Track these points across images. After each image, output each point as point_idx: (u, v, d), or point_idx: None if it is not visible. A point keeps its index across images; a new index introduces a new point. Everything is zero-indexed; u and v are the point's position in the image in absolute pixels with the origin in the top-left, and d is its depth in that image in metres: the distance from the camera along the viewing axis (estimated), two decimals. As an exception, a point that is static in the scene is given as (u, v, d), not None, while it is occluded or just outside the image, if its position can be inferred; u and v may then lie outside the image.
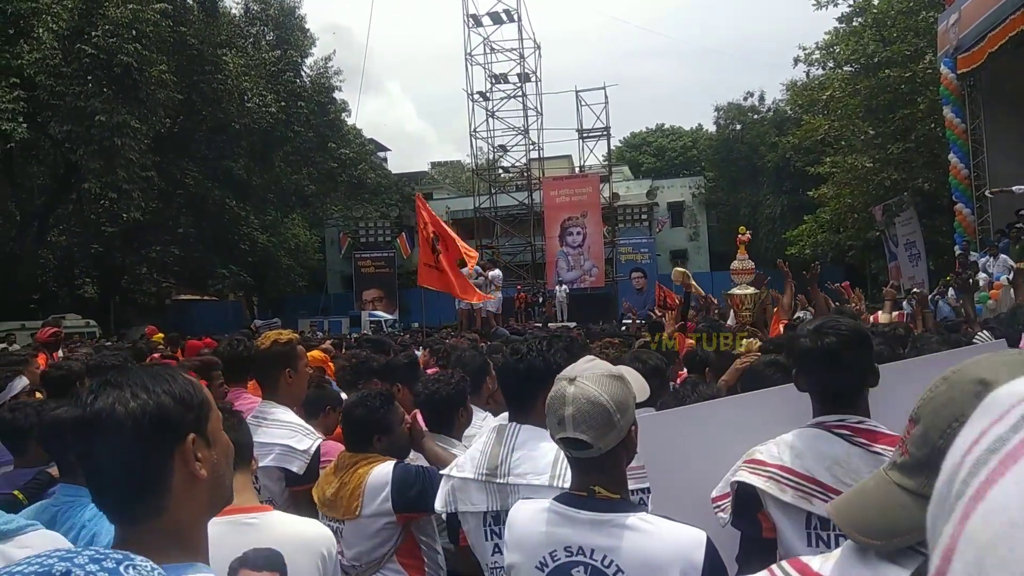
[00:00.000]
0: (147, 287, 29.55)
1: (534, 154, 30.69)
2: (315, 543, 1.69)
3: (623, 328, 11.76)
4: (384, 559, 2.59)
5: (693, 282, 11.68)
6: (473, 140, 30.43)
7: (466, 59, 29.42)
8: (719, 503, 2.15)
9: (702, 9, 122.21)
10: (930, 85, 19.14)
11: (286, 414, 3.01)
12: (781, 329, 6.27)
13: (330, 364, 5.03)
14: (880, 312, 7.56)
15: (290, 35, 30.14)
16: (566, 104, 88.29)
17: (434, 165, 53.76)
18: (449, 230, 11.59)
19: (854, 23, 24.67)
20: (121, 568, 0.92)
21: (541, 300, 26.34)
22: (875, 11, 23.27)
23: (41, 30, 19.50)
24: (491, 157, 31.41)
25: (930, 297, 13.70)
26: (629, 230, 32.09)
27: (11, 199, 22.37)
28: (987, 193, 14.22)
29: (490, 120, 30.30)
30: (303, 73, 31.03)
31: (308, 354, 3.63)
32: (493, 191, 31.04)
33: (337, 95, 31.95)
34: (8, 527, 1.57)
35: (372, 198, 34.03)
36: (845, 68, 24.80)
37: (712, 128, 38.24)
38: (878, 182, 22.35)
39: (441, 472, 2.41)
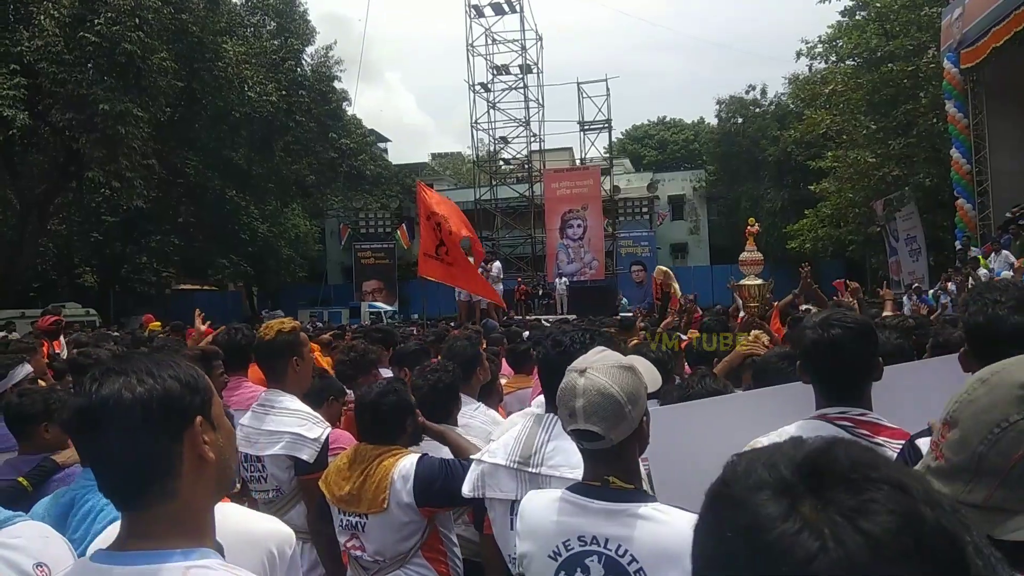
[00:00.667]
0: (147, 276, 29.53)
1: (535, 146, 30.66)
2: (263, 540, 1.59)
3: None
4: (411, 553, 2.57)
5: (674, 283, 11.82)
6: (474, 132, 30.42)
7: (468, 50, 29.35)
8: None
9: (705, 2, 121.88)
10: (932, 80, 19.10)
11: (293, 402, 3.00)
12: (779, 323, 6.28)
13: (320, 360, 5.04)
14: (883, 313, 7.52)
15: (291, 24, 30.03)
16: (567, 96, 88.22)
17: (434, 156, 53.74)
18: (458, 210, 11.43)
19: (857, 17, 24.59)
20: None
21: (541, 292, 26.36)
22: (878, 5, 23.19)
23: (42, 17, 19.41)
24: (492, 149, 31.39)
25: (932, 292, 13.74)
26: (629, 223, 32.08)
27: (11, 187, 22.30)
28: None
29: (491, 112, 30.26)
30: (304, 62, 30.93)
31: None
32: (494, 183, 31.02)
33: (338, 85, 31.90)
34: None
35: (372, 189, 33.99)
36: (847, 62, 24.74)
37: (714, 121, 38.16)
38: (879, 177, 22.33)
39: (472, 456, 2.40)
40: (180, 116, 25.05)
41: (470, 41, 29.36)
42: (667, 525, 1.59)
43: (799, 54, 27.60)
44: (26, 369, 4.49)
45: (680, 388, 3.01)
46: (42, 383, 4.83)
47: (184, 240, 28.37)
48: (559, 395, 1.71)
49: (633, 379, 1.68)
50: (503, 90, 30.49)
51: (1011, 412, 0.92)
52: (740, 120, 34.82)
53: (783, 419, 2.18)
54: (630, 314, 15.30)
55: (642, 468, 1.86)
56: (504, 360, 5.30)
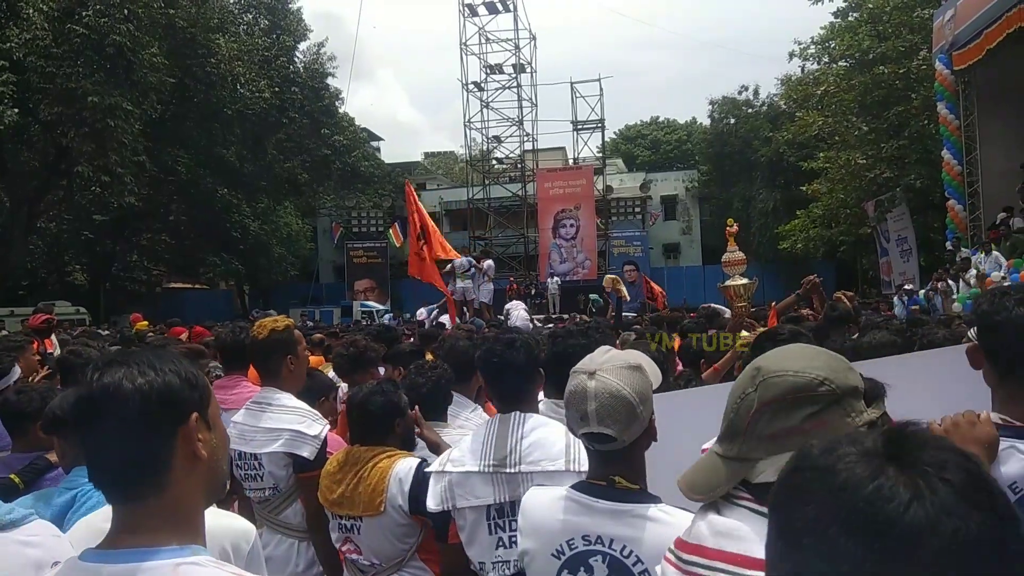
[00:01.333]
0: (137, 275, 29.40)
1: (528, 145, 30.69)
2: (218, 536, 1.52)
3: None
4: (408, 556, 2.55)
5: (622, 287, 12.60)
6: (467, 130, 30.44)
7: (461, 49, 29.35)
8: None
9: (698, 2, 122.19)
10: (924, 81, 19.19)
11: (291, 399, 2.97)
12: (775, 323, 6.31)
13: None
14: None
15: (283, 21, 29.93)
16: (561, 95, 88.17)
17: (427, 155, 53.66)
18: (432, 224, 11.63)
19: (849, 18, 24.68)
20: None
21: (533, 292, 26.36)
22: (870, 6, 23.28)
23: (31, 10, 19.27)
24: (485, 148, 31.39)
25: (923, 292, 13.81)
26: (622, 223, 32.13)
27: (0, 185, 22.15)
28: None
29: (484, 111, 30.27)
30: (296, 59, 30.85)
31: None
32: (487, 182, 31.02)
33: (330, 82, 31.83)
34: (11, 517, 1.55)
35: (365, 188, 33.91)
36: (840, 63, 24.81)
37: (706, 121, 38.25)
38: (871, 178, 22.43)
39: (429, 470, 2.36)
40: (172, 113, 24.94)
41: (463, 40, 29.37)
42: (673, 527, 1.58)
43: (791, 55, 27.68)
44: (16, 373, 4.45)
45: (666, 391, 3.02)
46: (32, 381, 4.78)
47: (175, 238, 28.24)
48: (568, 399, 1.70)
49: (642, 378, 1.69)
50: (496, 89, 30.53)
51: (747, 387, 1.22)
52: (732, 120, 34.90)
53: None
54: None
55: None
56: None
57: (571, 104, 30.67)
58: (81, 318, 21.65)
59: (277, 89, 27.32)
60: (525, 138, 30.39)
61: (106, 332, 12.98)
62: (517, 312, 16.01)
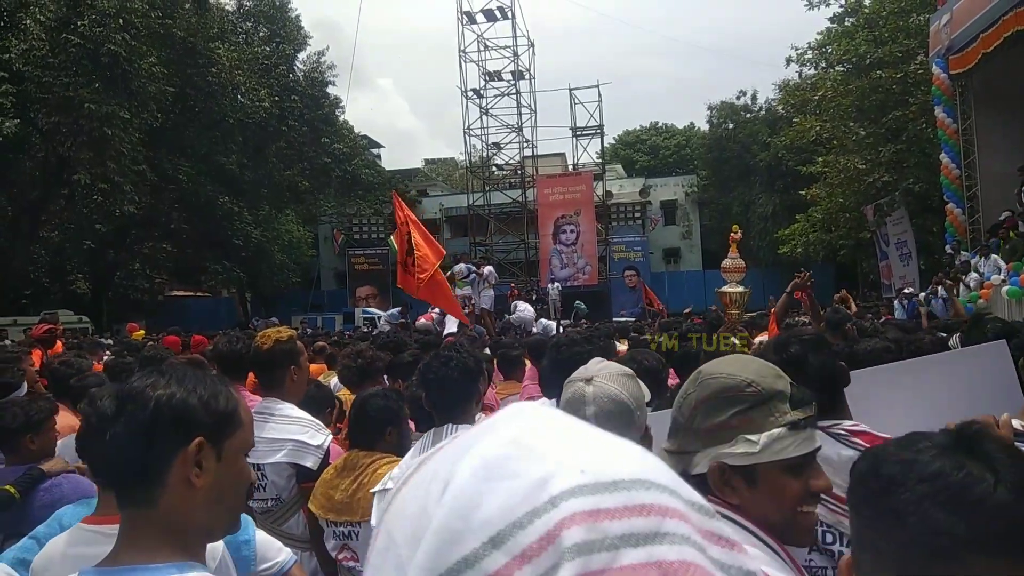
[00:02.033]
0: (140, 283, 29.43)
1: (528, 152, 30.73)
2: None
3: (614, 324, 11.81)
4: None
5: None
6: (467, 137, 30.49)
7: (460, 56, 29.43)
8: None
9: (696, 8, 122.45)
10: (921, 86, 19.25)
11: (294, 409, 2.99)
12: (775, 328, 6.36)
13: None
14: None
15: (283, 30, 30.05)
16: (560, 102, 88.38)
17: (427, 162, 53.74)
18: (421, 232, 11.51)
19: (846, 23, 24.78)
20: None
21: (535, 298, 26.37)
22: (867, 11, 23.38)
23: (28, 20, 19.39)
24: (485, 154, 31.45)
25: (923, 295, 13.84)
26: (622, 228, 32.16)
27: (2, 194, 22.22)
28: None
29: (484, 117, 30.33)
30: (296, 68, 30.95)
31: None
32: (487, 188, 31.06)
33: (330, 90, 31.92)
34: None
35: (366, 195, 33.99)
36: (837, 68, 24.90)
37: (705, 127, 38.34)
38: (870, 182, 22.48)
39: (373, 490, 2.37)
40: (172, 122, 25.01)
41: (462, 47, 29.45)
42: None
43: (789, 60, 27.79)
44: (25, 386, 4.46)
45: (667, 402, 3.04)
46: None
47: (177, 246, 28.29)
48: (565, 406, 1.69)
49: (637, 386, 1.71)
50: (495, 96, 30.59)
51: (689, 388, 1.33)
52: (731, 126, 34.99)
53: None
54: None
55: None
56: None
57: (570, 110, 30.78)
58: (84, 327, 21.67)
59: (277, 98, 27.41)
60: (524, 144, 30.46)
61: (109, 341, 13.01)
62: (525, 306, 16.21)
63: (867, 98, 21.83)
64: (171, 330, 10.43)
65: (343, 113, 33.18)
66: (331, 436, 3.04)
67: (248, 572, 1.79)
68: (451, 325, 14.40)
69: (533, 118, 30.25)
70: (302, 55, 31.35)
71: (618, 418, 1.61)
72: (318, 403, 3.48)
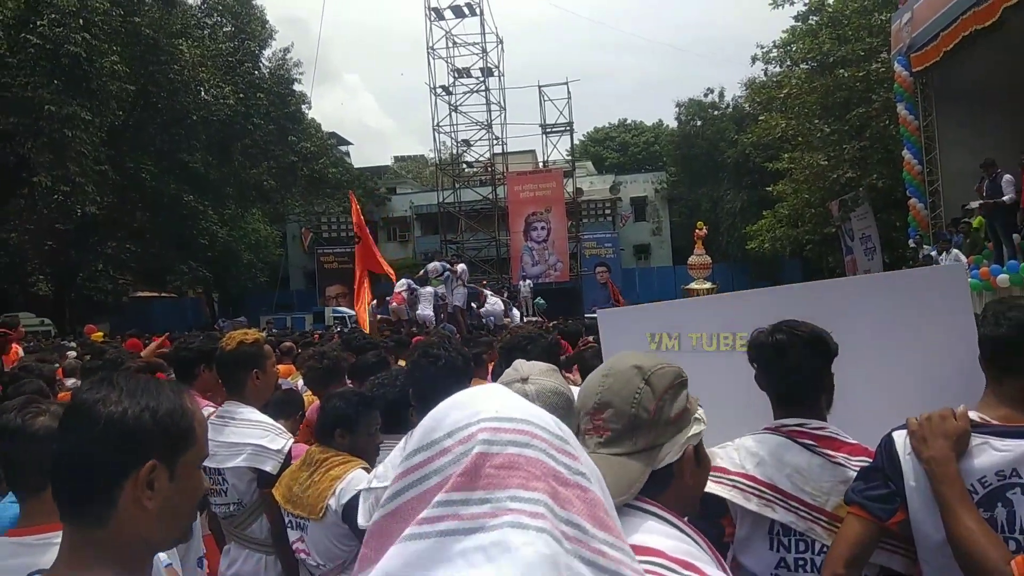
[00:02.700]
0: (103, 284, 28.79)
1: (498, 149, 30.74)
2: None
3: (584, 322, 11.79)
4: (351, 559, 2.54)
5: None
6: (436, 135, 30.38)
7: (428, 53, 29.30)
8: None
9: (664, 5, 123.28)
10: (884, 83, 19.57)
11: (254, 413, 2.94)
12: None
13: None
14: None
15: (248, 26, 29.61)
16: (529, 99, 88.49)
17: (397, 159, 53.41)
18: (368, 240, 11.99)
19: (810, 22, 25.10)
20: None
21: (506, 295, 26.39)
22: (830, 10, 23.70)
23: (-16, 19, 18.92)
24: (454, 152, 31.37)
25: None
26: (593, 225, 32.32)
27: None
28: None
29: (453, 114, 30.26)
30: (261, 65, 30.54)
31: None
32: (457, 186, 31.00)
33: (296, 87, 31.56)
34: None
35: (334, 193, 33.68)
36: (802, 66, 25.20)
37: (673, 124, 38.62)
38: (834, 179, 22.81)
39: (359, 488, 2.37)
40: (135, 120, 24.54)
41: (430, 44, 29.33)
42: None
43: (755, 58, 28.09)
44: None
45: None
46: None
47: (141, 247, 27.71)
48: None
49: (561, 377, 1.75)
50: (464, 93, 30.53)
51: (637, 384, 1.30)
52: (699, 123, 35.28)
53: (745, 322, 2.27)
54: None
55: None
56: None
57: (539, 107, 30.82)
58: (46, 329, 21.20)
59: (242, 95, 27.01)
60: (494, 141, 30.46)
61: (73, 343, 12.74)
62: (494, 299, 16.24)
63: (831, 96, 22.13)
64: (131, 333, 10.21)
65: (310, 109, 32.85)
66: (292, 440, 2.99)
67: None
68: (425, 307, 14.37)
69: (503, 115, 30.30)
70: (267, 52, 30.97)
71: (562, 409, 1.61)
72: (287, 407, 3.42)
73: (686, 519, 1.26)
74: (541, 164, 33.08)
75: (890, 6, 19.34)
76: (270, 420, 2.98)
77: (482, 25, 29.26)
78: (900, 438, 1.80)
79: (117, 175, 23.10)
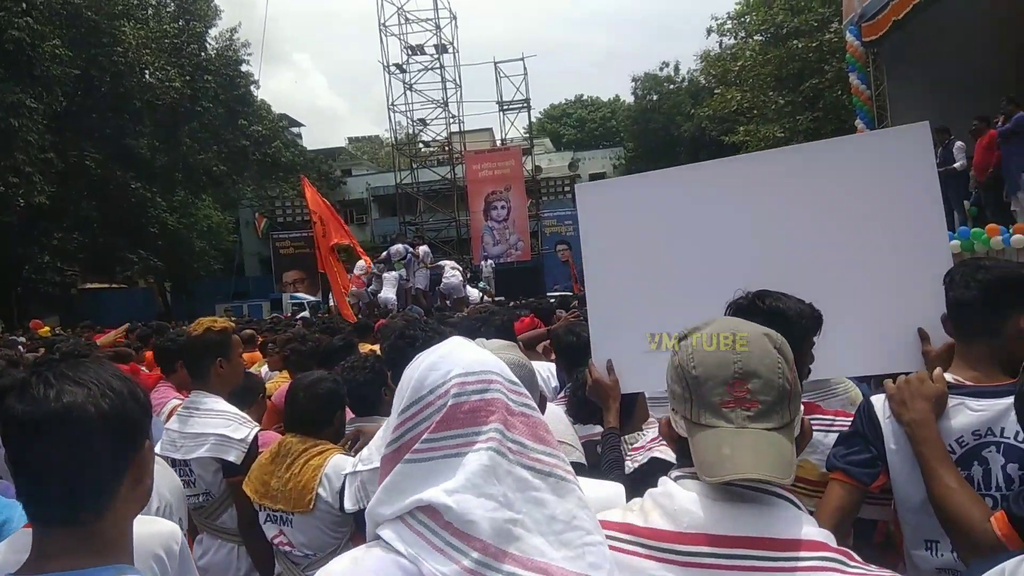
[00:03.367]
0: (50, 276, 27.87)
1: (455, 127, 30.39)
2: (148, 543, 1.55)
3: (552, 300, 11.77)
4: (343, 544, 2.51)
5: None
6: (391, 114, 29.96)
7: (380, 29, 28.73)
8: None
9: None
10: (836, 53, 19.83)
11: (218, 403, 2.87)
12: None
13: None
14: None
15: (192, 5, 28.68)
16: (485, 76, 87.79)
17: (351, 140, 52.67)
18: (335, 215, 11.80)
19: (764, -8, 25.28)
20: None
21: (469, 275, 26.25)
22: (783, -20, 23.91)
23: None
24: (411, 131, 30.93)
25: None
26: (553, 202, 32.27)
27: None
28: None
29: (408, 93, 29.80)
30: (208, 46, 29.66)
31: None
32: (414, 166, 30.62)
33: (244, 68, 30.74)
34: None
35: (287, 176, 33.03)
36: (756, 38, 25.41)
37: (630, 99, 38.72)
38: (790, 150, 23.13)
39: (344, 472, 2.35)
40: (77, 106, 23.70)
41: (382, 20, 28.75)
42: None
43: (709, 31, 28.23)
44: None
45: None
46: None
47: (88, 236, 26.86)
48: None
49: (523, 355, 1.78)
50: (419, 71, 30.07)
51: (774, 352, 1.22)
52: (655, 97, 35.41)
53: (737, 200, 2.29)
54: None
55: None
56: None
57: (496, 84, 30.52)
58: (-10, 325, 20.44)
59: (188, 78, 26.27)
60: (451, 120, 30.10)
61: (22, 338, 12.31)
62: (451, 272, 15.92)
63: (785, 67, 22.38)
64: (85, 325, 9.88)
65: (258, 89, 32.08)
66: (257, 429, 2.91)
67: None
68: (388, 290, 14.21)
69: (459, 93, 29.92)
70: (213, 32, 30.08)
71: (528, 380, 1.63)
72: (248, 394, 3.30)
73: None
74: (499, 142, 32.86)
75: (841, -24, 19.54)
76: (234, 410, 2.91)
77: (435, 0, 28.81)
78: (879, 402, 1.82)
79: (61, 163, 22.33)
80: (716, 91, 26.94)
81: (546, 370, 3.74)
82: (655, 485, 1.25)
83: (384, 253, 15.63)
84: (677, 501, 1.17)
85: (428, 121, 30.75)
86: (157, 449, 2.62)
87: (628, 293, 2.41)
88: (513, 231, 29.29)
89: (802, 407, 1.28)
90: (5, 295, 25.56)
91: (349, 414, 2.84)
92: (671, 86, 35.46)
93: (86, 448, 1.08)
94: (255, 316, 23.45)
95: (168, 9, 28.70)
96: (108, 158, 24.88)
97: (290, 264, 32.07)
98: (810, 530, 1.12)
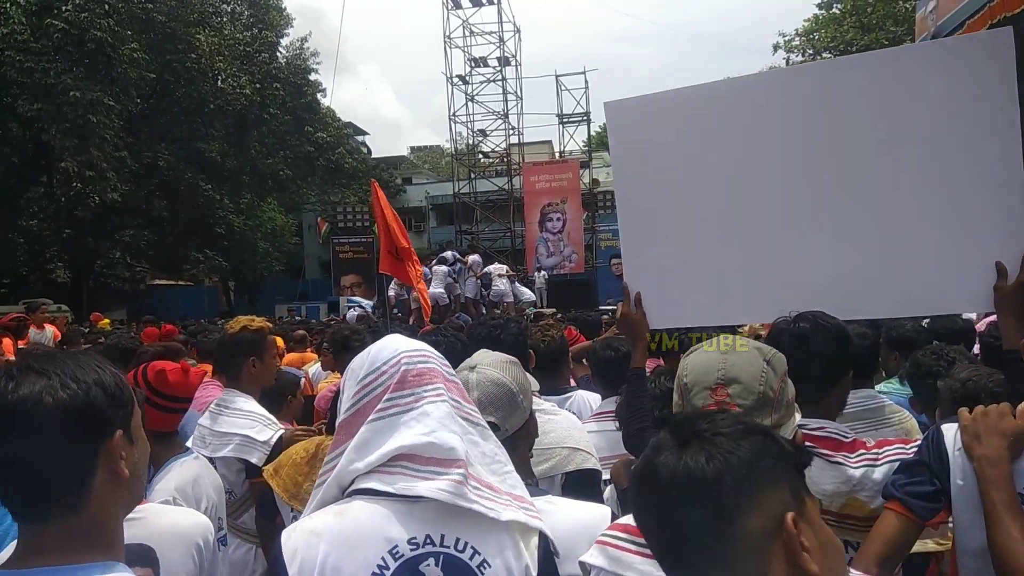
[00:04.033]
0: (120, 271, 29.04)
1: (514, 139, 30.50)
2: (189, 534, 1.68)
3: (605, 316, 11.65)
4: None
5: None
6: (452, 124, 30.20)
7: (445, 42, 29.10)
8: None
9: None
10: (908, 73, 19.27)
11: (248, 403, 2.92)
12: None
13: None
14: None
15: (265, 15, 29.62)
16: (546, 89, 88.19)
17: (413, 150, 53.42)
18: (398, 221, 11.74)
19: (833, 9, 24.73)
20: None
21: (517, 276, 26.28)
22: (854, -2, 23.37)
23: (8, 4, 19.05)
24: (471, 142, 31.21)
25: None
26: (609, 216, 32.03)
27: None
28: None
29: (469, 104, 30.05)
30: (278, 54, 30.55)
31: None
32: (473, 176, 30.84)
33: (313, 77, 31.52)
34: None
35: (350, 182, 33.68)
36: (824, 55, 24.84)
37: (692, 114, 38.25)
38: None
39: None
40: (152, 108, 24.68)
41: (447, 33, 29.12)
42: (559, 515, 1.53)
43: (776, 47, 27.72)
44: None
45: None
46: None
47: (158, 235, 27.92)
48: None
49: (520, 371, 1.75)
50: (481, 82, 30.31)
51: (761, 363, 1.35)
52: (718, 113, 34.87)
53: (765, 117, 2.12)
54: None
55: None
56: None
57: (556, 97, 30.54)
58: (64, 316, 21.38)
59: (259, 85, 27.08)
60: (511, 131, 30.22)
61: (88, 329, 12.83)
62: (499, 279, 15.88)
63: (853, 85, 21.83)
64: (146, 320, 10.24)
65: (324, 97, 32.86)
66: (282, 431, 2.93)
67: None
68: (438, 285, 14.27)
69: (519, 105, 30.03)
70: (284, 41, 30.98)
71: (501, 400, 1.64)
72: (277, 394, 3.35)
73: None
74: (557, 154, 32.83)
75: (914, -6, 19.00)
76: (262, 411, 2.95)
77: (499, 14, 29.03)
78: (950, 432, 1.65)
79: (135, 163, 23.26)
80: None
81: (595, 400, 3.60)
82: None
83: (434, 260, 15.84)
84: None
85: (488, 132, 30.98)
86: (189, 443, 2.67)
87: (662, 222, 2.24)
88: (568, 243, 29.19)
89: (796, 418, 1.35)
90: (77, 289, 26.73)
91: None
92: (735, 102, 34.94)
93: (44, 440, 1.04)
94: (312, 318, 23.95)
95: (241, 19, 29.69)
96: (179, 160, 25.81)
97: (349, 268, 32.64)
98: None
